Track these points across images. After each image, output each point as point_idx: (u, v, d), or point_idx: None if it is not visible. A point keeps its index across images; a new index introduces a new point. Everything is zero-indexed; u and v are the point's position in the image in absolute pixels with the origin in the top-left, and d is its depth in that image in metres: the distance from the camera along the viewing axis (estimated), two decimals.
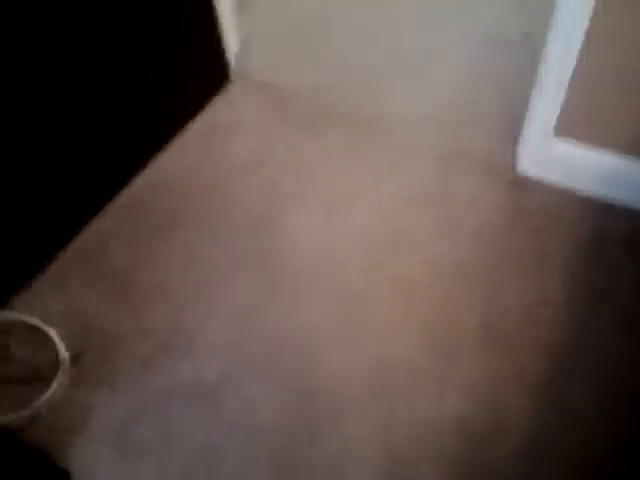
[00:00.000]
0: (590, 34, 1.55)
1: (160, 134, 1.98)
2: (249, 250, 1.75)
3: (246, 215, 1.83)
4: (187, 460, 1.40)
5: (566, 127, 1.77)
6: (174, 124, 2.00)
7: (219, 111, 2.06)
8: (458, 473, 1.36)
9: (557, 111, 1.74)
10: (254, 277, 1.69)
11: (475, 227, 1.78)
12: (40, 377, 1.53)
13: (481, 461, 1.37)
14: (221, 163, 1.94)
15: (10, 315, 1.62)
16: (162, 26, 1.83)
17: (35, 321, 1.61)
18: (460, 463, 1.37)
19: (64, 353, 1.56)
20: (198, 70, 2.03)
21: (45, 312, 1.63)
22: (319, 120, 2.06)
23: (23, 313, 1.62)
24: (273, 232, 1.79)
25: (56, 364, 1.55)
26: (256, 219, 1.82)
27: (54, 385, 1.51)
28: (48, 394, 1.49)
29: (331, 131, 2.03)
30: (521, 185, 1.89)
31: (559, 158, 1.83)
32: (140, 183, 1.89)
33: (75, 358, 1.55)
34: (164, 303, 1.65)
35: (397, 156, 1.97)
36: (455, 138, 2.02)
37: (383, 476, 1.36)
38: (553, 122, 1.77)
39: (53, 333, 1.59)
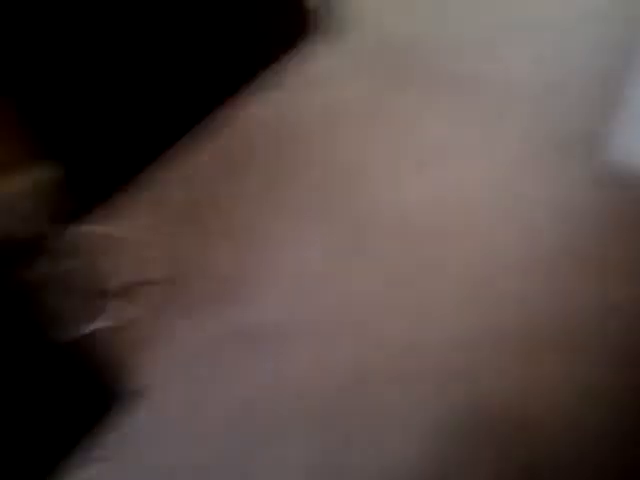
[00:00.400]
0: None
1: (254, 70, 1.96)
2: (327, 200, 1.75)
3: (329, 164, 1.82)
4: (247, 399, 1.44)
5: None
6: (270, 61, 1.97)
7: (316, 57, 2.02)
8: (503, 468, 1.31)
9: None
10: (327, 230, 1.69)
11: (556, 214, 1.71)
12: (118, 293, 1.59)
13: (536, 457, 1.31)
14: (312, 108, 1.92)
15: (96, 228, 1.68)
16: None
17: (120, 235, 1.66)
18: (515, 456, 1.31)
19: (141, 273, 1.61)
20: (300, 9, 1.99)
21: (129, 230, 1.69)
22: (415, 73, 2.00)
23: (108, 226, 1.68)
24: (355, 184, 1.77)
25: (133, 282, 1.60)
26: (338, 169, 1.81)
27: (133, 308, 1.57)
28: (125, 309, 1.55)
29: (425, 85, 1.98)
30: (612, 174, 1.79)
31: None
32: (234, 121, 1.90)
33: (154, 279, 1.61)
34: (237, 241, 1.69)
35: (488, 122, 1.91)
36: (547, 114, 1.94)
37: (421, 452, 1.34)
38: None
39: (133, 251, 1.64)
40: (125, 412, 1.43)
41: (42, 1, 1.30)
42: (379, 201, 1.74)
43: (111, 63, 1.54)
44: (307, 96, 1.96)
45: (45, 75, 1.40)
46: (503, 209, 1.73)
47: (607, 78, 1.98)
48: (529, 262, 1.62)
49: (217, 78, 1.87)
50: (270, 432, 1.38)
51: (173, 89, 1.75)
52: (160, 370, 1.49)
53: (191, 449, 1.37)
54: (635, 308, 1.50)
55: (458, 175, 1.78)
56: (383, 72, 2.01)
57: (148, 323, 1.56)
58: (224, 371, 1.48)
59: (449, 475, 1.29)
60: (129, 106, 1.66)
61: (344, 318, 1.54)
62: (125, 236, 1.67)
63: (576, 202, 1.73)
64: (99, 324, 1.53)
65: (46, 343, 1.33)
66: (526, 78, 2.02)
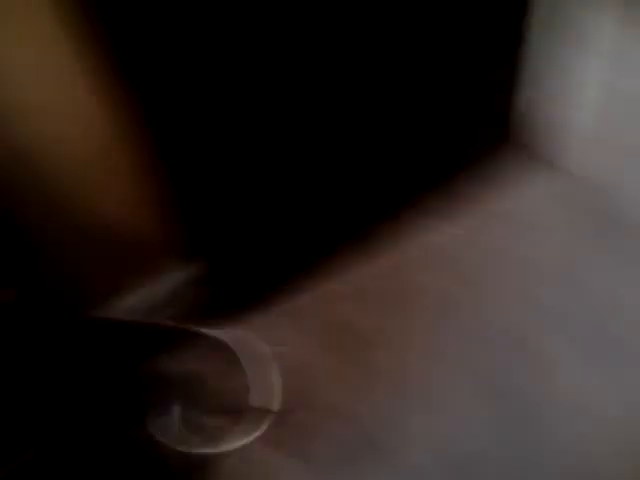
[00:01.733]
0: None
1: (436, 184, 1.76)
2: (496, 372, 1.47)
3: (502, 323, 1.56)
4: None
5: None
6: (455, 176, 1.76)
7: (509, 182, 1.78)
8: None
9: None
10: (492, 412, 1.41)
11: None
12: (236, 419, 1.42)
13: None
14: (489, 249, 1.69)
15: (233, 337, 1.53)
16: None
17: (257, 348, 1.50)
18: None
19: (270, 402, 1.43)
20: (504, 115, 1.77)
21: (267, 343, 1.52)
22: (626, 234, 1.69)
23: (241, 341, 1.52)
24: (532, 360, 1.50)
25: (258, 410, 1.43)
26: (515, 335, 1.54)
27: (251, 435, 1.38)
28: (242, 441, 1.37)
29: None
30: None
31: None
32: (401, 242, 1.70)
33: (281, 413, 1.42)
34: (386, 391, 1.45)
35: None
36: None
37: None
38: None
39: (262, 370, 1.47)
40: None
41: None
42: (548, 387, 1.46)
43: (278, 159, 1.42)
44: (487, 233, 1.73)
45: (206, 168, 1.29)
46: None
47: None
48: None
49: (390, 186, 1.71)
50: None
51: (343, 193, 1.60)
52: None
53: None
54: None
55: None
56: (585, 224, 1.74)
57: (263, 456, 1.36)
58: None
59: None
60: (290, 207, 1.53)
61: None
62: (262, 351, 1.51)
63: None
64: (218, 445, 1.37)
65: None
66: None
